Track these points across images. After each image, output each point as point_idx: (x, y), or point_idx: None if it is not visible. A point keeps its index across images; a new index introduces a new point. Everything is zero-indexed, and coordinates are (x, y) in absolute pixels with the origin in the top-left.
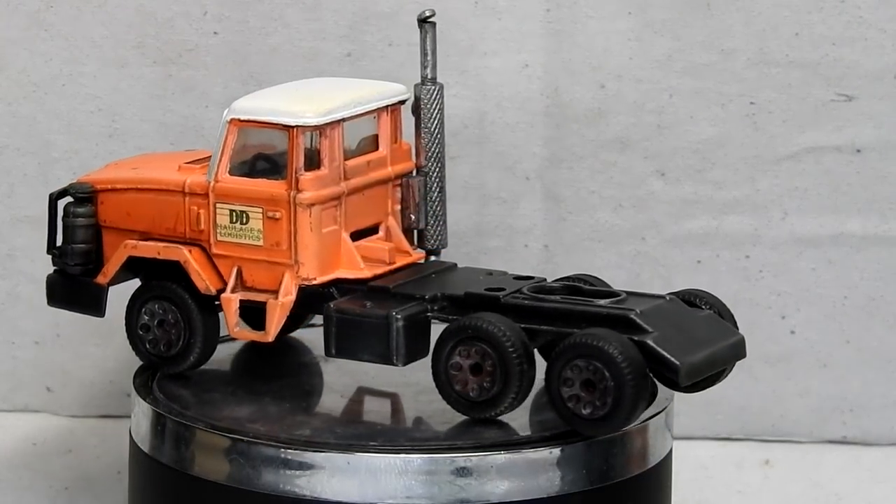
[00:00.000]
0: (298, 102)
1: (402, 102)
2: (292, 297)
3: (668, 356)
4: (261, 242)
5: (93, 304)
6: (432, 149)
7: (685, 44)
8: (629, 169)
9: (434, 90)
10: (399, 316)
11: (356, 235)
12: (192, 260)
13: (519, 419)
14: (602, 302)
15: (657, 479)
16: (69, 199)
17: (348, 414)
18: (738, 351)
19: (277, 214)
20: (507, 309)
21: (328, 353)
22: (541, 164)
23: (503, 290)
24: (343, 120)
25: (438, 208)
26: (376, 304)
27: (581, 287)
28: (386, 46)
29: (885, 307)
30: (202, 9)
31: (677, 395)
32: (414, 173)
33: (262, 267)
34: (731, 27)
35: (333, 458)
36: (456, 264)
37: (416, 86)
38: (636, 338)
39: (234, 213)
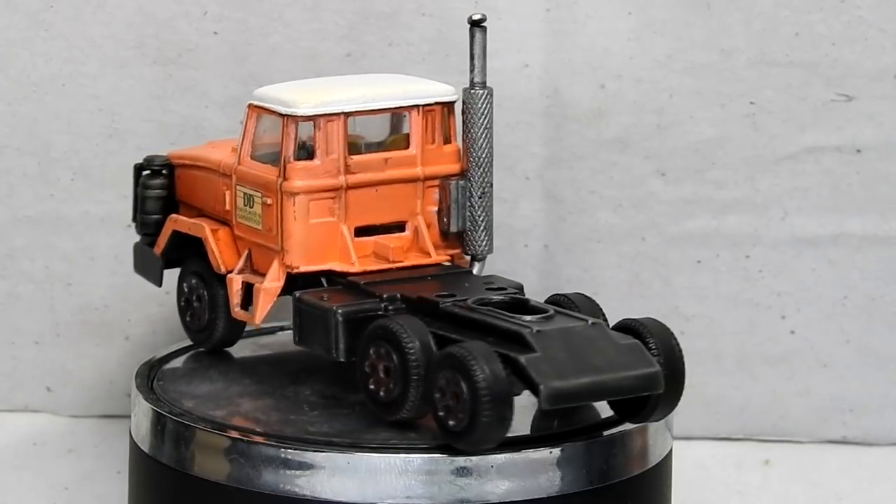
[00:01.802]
0: (301, 93)
1: (444, 104)
2: (279, 283)
3: (534, 377)
4: (260, 227)
5: (154, 273)
6: (474, 153)
7: (685, 44)
8: (629, 169)
9: (480, 95)
10: (339, 311)
11: (374, 230)
12: (210, 238)
13: (518, 419)
14: (514, 318)
15: (657, 479)
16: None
17: (330, 411)
18: (646, 384)
19: (269, 200)
20: (441, 315)
21: (294, 342)
22: (541, 164)
23: (453, 296)
24: (346, 114)
25: (480, 214)
26: (334, 297)
27: (527, 302)
28: (386, 46)
29: (885, 307)
30: (202, 9)
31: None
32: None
33: (262, 251)
34: (731, 27)
35: (333, 458)
36: (470, 271)
37: (463, 90)
38: (512, 355)
39: (245, 196)
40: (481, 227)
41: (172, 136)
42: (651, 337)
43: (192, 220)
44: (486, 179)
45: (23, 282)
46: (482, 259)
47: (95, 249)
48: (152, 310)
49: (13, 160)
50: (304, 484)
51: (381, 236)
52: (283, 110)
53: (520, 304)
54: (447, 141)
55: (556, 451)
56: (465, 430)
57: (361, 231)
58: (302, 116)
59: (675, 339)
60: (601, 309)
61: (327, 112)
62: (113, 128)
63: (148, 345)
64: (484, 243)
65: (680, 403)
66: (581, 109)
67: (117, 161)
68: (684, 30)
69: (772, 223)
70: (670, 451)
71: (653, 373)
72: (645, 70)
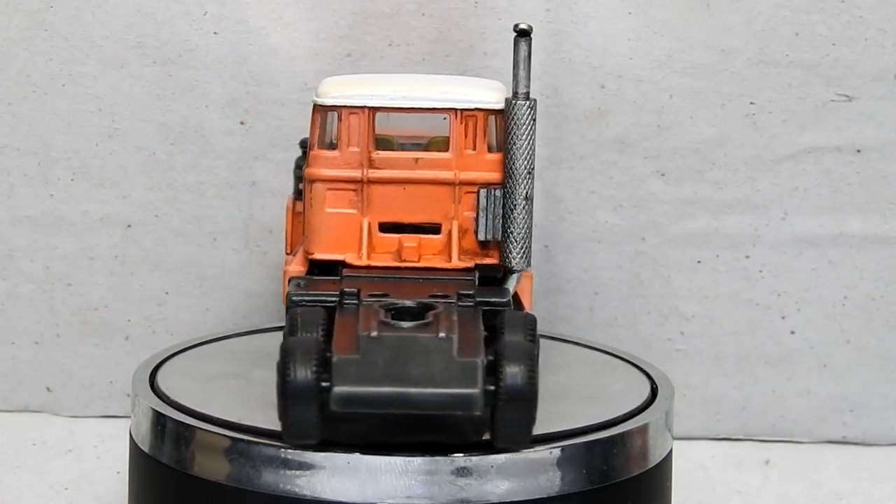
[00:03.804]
0: (337, 84)
1: (489, 111)
2: (301, 268)
3: (333, 377)
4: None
5: None
6: (510, 164)
7: (685, 44)
8: (629, 169)
9: (521, 106)
10: (293, 297)
11: (405, 229)
12: (287, 219)
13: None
14: (381, 322)
15: (657, 479)
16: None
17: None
18: (457, 403)
19: (300, 186)
20: (357, 313)
21: None
22: (541, 164)
23: (384, 297)
24: (371, 109)
25: (514, 226)
26: (310, 286)
27: (429, 309)
28: (386, 46)
29: (885, 307)
30: (202, 9)
31: (678, 394)
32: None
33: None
34: (731, 27)
35: (333, 458)
36: (472, 280)
37: (506, 99)
38: (329, 354)
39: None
40: (513, 240)
41: (172, 136)
42: (503, 360)
43: (290, 202)
44: (522, 192)
45: (23, 282)
46: (516, 272)
47: (95, 249)
48: (152, 310)
49: (13, 160)
50: (304, 484)
51: (404, 235)
52: (312, 98)
53: (419, 311)
54: (499, 148)
55: (556, 451)
56: (282, 424)
57: (390, 227)
58: (326, 106)
59: (529, 367)
60: (533, 331)
61: (349, 104)
62: (113, 128)
63: (148, 345)
64: (518, 256)
65: (680, 403)
66: (581, 109)
67: (117, 161)
68: (684, 30)
69: (772, 223)
70: (670, 451)
71: (466, 394)
72: (645, 70)
